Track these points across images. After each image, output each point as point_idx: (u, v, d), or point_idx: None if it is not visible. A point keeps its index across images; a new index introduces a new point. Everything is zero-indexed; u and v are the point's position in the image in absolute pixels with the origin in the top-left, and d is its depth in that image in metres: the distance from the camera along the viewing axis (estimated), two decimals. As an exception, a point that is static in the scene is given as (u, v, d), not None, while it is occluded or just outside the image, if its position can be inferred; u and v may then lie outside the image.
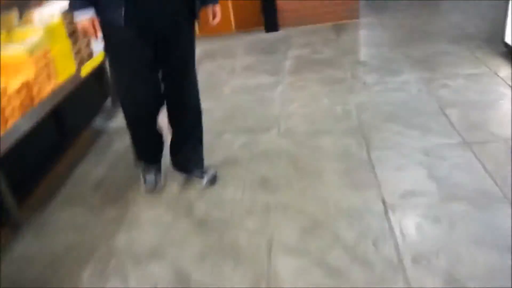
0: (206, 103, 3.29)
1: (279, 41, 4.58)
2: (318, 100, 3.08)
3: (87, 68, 2.80)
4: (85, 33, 1.93)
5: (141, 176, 2.35)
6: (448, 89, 2.93)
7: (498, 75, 3.04)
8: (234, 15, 5.06)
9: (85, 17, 1.85)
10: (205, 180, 2.27)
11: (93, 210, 2.26)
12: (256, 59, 4.18)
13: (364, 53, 3.97)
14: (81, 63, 2.73)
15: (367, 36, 4.49)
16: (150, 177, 2.32)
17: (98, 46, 2.86)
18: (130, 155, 2.70)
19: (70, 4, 1.91)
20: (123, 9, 1.79)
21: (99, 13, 1.87)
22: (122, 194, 2.35)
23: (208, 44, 4.75)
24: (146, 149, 2.33)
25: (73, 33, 2.62)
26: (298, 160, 2.40)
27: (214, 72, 3.99)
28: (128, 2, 1.80)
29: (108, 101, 3.44)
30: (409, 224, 1.79)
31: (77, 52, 2.69)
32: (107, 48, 2.01)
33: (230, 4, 5.00)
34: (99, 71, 3.15)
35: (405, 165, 2.18)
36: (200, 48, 4.65)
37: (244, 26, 5.09)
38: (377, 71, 3.44)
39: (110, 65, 2.16)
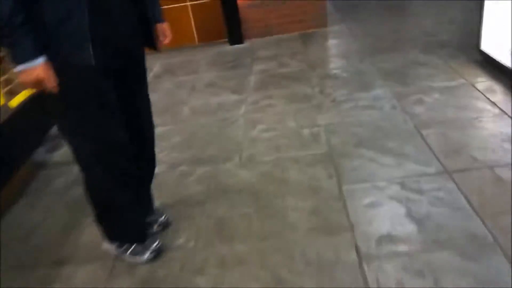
0: (162, 128, 3.01)
1: (243, 54, 4.30)
2: (284, 122, 2.81)
3: (20, 98, 2.47)
4: (40, 85, 1.41)
5: (132, 256, 1.83)
6: (423, 106, 2.69)
7: (475, 87, 2.82)
8: (196, 26, 4.76)
9: (38, 64, 1.37)
10: (154, 229, 1.95)
11: (21, 268, 1.92)
12: (219, 74, 3.89)
13: (332, 65, 3.72)
14: (11, 93, 2.40)
15: (335, 46, 4.26)
16: (153, 241, 1.84)
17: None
18: (71, 194, 2.39)
19: (13, 54, 1.38)
20: (90, 44, 1.40)
21: (54, 53, 1.40)
22: (56, 247, 2.01)
23: (168, 58, 4.43)
24: (137, 218, 1.83)
25: (-1, 63, 2.29)
26: (261, 197, 2.10)
27: (173, 91, 3.67)
28: (94, 34, 1.40)
29: (54, 130, 3.09)
30: (388, 281, 1.52)
31: (6, 82, 2.36)
32: (68, 97, 1.50)
33: (191, 15, 4.69)
34: (39, 98, 2.81)
35: (380, 201, 1.92)
36: (160, 63, 4.34)
37: (207, 37, 4.79)
38: (347, 85, 3.19)
39: (72, 120, 1.56)
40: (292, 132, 2.67)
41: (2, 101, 2.32)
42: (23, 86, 2.48)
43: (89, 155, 1.63)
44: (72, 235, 2.07)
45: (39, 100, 2.81)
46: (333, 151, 2.38)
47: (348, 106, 2.87)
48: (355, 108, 2.82)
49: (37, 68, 1.37)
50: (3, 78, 2.35)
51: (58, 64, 1.42)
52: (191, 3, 4.64)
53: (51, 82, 1.41)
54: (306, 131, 2.64)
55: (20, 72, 1.39)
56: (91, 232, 2.01)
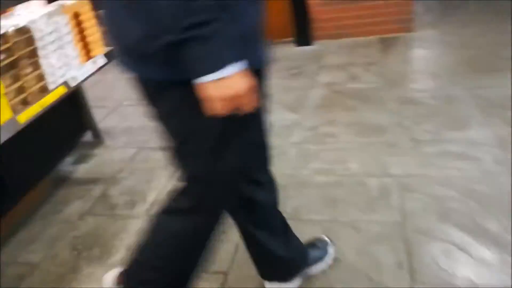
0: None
1: (310, 59, 3.70)
2: (345, 162, 2.22)
3: (36, 108, 2.11)
4: (238, 103, 0.94)
5: None
6: (540, 164, 1.98)
7: None
8: (260, 21, 4.21)
9: (240, 70, 0.92)
10: None
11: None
12: (278, 83, 3.33)
13: (416, 86, 3.01)
14: (25, 103, 2.04)
15: (422, 58, 3.52)
16: None
17: (57, 73, 2.18)
18: (81, 227, 2.04)
19: (204, 54, 0.88)
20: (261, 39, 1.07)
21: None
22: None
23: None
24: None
25: (10, 69, 1.91)
26: (299, 285, 1.56)
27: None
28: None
29: (88, 136, 2.76)
30: None
31: (19, 91, 2.00)
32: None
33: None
34: (69, 103, 2.51)
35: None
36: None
37: (272, 35, 4.22)
38: (433, 117, 2.51)
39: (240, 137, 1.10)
40: (355, 180, 2.08)
41: (10, 115, 1.96)
42: (42, 89, 2.14)
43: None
44: (68, 282, 1.69)
45: (73, 103, 2.49)
46: (407, 221, 1.77)
47: (433, 151, 2.21)
48: (443, 155, 2.16)
49: (240, 75, 0.91)
50: (13, 87, 1.99)
51: None
52: (257, -6, 4.09)
53: (254, 99, 0.96)
54: (373, 182, 2.04)
55: (212, 82, 0.90)
56: (90, 282, 1.63)
